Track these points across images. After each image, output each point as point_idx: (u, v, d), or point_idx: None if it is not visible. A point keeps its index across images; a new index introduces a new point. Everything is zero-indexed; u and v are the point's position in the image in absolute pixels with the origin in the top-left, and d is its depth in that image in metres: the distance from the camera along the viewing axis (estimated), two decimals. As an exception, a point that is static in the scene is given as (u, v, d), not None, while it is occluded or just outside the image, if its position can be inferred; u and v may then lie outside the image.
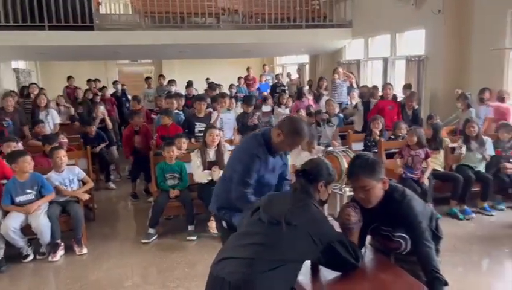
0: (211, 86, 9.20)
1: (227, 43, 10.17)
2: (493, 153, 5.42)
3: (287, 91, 11.11)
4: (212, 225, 4.65)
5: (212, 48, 10.93)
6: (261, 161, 2.71)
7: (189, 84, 9.96)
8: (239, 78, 12.74)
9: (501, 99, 6.34)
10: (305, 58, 14.52)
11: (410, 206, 2.24)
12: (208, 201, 3.42)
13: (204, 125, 5.73)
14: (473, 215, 5.16)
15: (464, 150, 5.41)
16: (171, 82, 10.28)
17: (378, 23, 9.53)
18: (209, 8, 10.23)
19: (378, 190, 2.24)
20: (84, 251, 4.49)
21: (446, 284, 2.02)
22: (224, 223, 2.94)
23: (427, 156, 5.13)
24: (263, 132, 2.83)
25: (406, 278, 2.21)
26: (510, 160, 5.41)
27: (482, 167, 5.41)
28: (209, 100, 7.10)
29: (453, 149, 5.72)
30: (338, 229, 2.30)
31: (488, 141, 5.42)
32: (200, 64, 14.90)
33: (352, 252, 2.14)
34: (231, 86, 11.69)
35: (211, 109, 6.44)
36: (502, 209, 5.30)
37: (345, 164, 3.94)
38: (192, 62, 15.10)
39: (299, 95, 9.16)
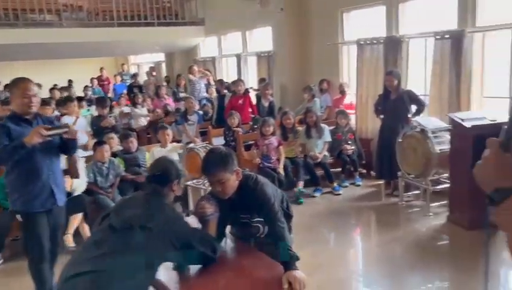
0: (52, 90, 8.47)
1: (72, 41, 9.43)
2: (330, 139, 6.04)
3: (144, 90, 10.82)
4: (68, 239, 4.28)
5: (55, 48, 10.01)
6: (12, 129, 2.91)
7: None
8: (91, 79, 11.97)
9: (342, 92, 7.15)
10: (161, 57, 14.28)
11: (263, 191, 2.38)
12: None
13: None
14: (317, 194, 5.70)
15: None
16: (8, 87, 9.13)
17: (229, 21, 9.86)
18: (47, 4, 9.32)
19: (232, 181, 2.32)
20: None
21: (298, 259, 2.19)
22: (18, 217, 3.12)
23: (279, 144, 5.54)
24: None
25: (264, 259, 2.35)
26: (349, 142, 6.12)
27: (320, 151, 5.95)
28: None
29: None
30: (197, 225, 2.33)
31: (326, 129, 6.04)
32: (51, 65, 13.54)
33: (209, 246, 2.19)
34: (86, 87, 10.90)
35: (57, 113, 5.90)
36: (346, 186, 5.98)
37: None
38: (42, 63, 13.61)
39: (157, 93, 9.02)
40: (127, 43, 10.75)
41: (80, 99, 7.95)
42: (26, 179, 2.98)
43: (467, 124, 4.22)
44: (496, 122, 4.23)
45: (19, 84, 2.99)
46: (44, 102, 5.96)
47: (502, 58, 5.07)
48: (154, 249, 1.98)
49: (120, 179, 4.88)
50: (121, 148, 5.33)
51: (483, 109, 5.19)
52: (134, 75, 12.17)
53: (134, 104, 8.48)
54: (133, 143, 5.23)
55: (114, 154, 5.13)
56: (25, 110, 2.97)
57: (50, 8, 9.46)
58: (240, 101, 7.18)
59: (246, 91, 7.44)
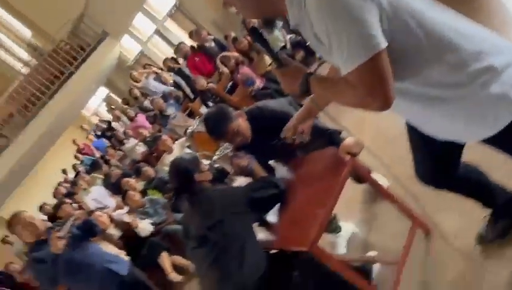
0: None
1: None
2: None
3: None
4: None
5: None
6: None
7: None
8: None
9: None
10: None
11: (270, 109, 2.43)
12: None
13: None
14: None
15: None
16: None
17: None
18: None
19: (243, 123, 2.37)
20: None
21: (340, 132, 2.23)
22: None
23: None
24: None
25: (317, 155, 2.31)
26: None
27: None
28: None
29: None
30: (246, 181, 2.34)
31: None
32: None
33: (269, 185, 2.20)
34: None
35: None
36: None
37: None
38: None
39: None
40: None
41: None
42: None
43: None
44: None
45: None
46: None
47: None
48: (237, 229, 2.03)
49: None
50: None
51: None
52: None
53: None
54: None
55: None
56: None
57: None
58: (196, 58, 6.84)
59: (191, 46, 7.11)
